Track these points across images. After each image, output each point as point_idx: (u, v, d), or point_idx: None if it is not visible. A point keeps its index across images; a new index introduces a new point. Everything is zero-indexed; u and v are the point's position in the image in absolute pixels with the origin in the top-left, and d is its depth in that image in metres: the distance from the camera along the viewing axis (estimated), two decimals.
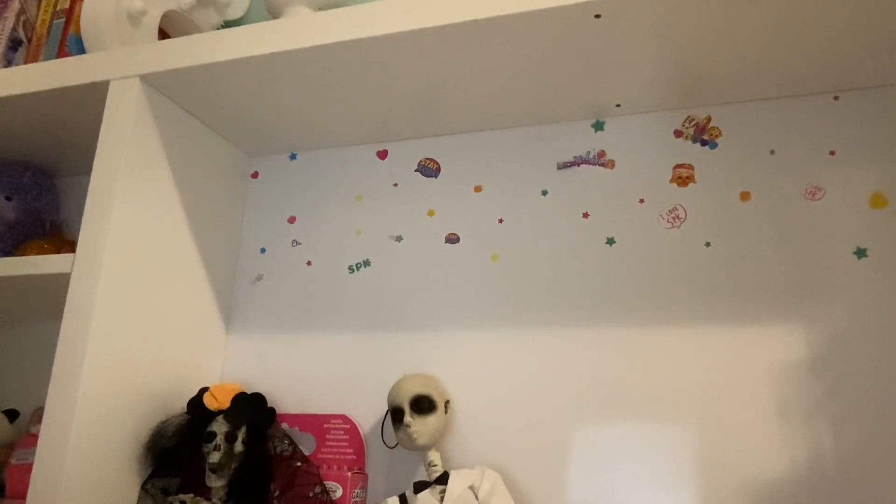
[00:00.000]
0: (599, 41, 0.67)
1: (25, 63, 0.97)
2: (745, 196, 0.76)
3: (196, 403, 0.75)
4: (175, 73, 0.76)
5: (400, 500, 0.72)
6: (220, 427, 0.73)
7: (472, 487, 0.69)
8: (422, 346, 0.83)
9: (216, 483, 0.71)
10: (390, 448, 0.79)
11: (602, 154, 0.83)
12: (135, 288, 0.75)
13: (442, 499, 0.68)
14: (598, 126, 0.84)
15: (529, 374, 0.78)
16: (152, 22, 0.88)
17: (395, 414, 0.73)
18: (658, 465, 0.71)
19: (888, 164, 0.72)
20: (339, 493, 0.75)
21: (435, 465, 0.71)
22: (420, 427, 0.71)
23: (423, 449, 0.72)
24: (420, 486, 0.71)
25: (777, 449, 0.68)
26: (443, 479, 0.70)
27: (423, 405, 0.72)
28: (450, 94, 0.79)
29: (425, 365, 0.82)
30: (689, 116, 0.80)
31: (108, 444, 0.71)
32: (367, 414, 0.82)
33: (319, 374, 0.86)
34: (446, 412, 0.75)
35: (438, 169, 0.89)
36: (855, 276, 0.70)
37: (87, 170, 1.04)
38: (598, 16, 0.63)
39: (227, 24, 1.01)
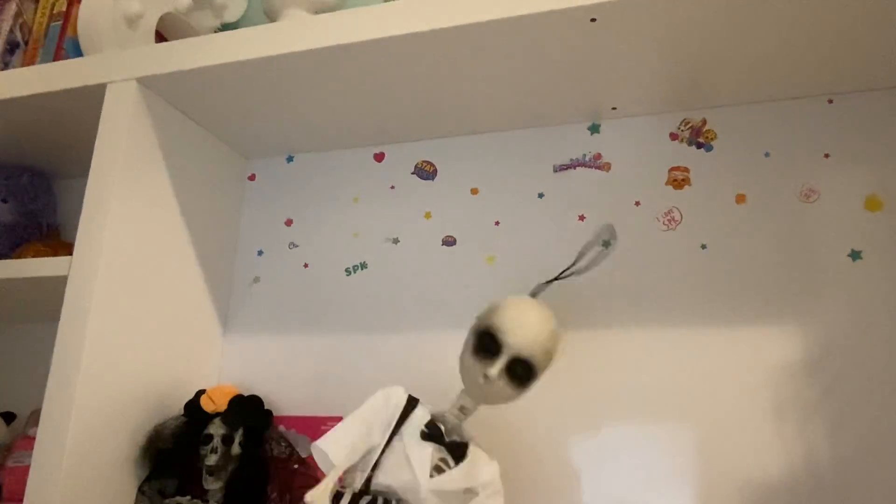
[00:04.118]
0: (595, 44, 0.68)
1: (22, 66, 0.97)
2: (740, 198, 0.76)
3: (193, 406, 0.75)
4: (172, 76, 0.76)
5: (408, 401, 0.60)
6: (216, 429, 0.73)
7: (470, 490, 0.58)
8: (418, 348, 0.83)
9: (213, 485, 0.71)
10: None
11: (598, 156, 0.83)
12: (131, 290, 0.75)
13: (438, 469, 0.57)
14: (594, 129, 0.84)
15: None
16: (149, 25, 0.88)
17: (491, 344, 0.57)
18: (654, 466, 0.71)
19: (882, 166, 0.73)
20: None
21: (465, 412, 0.59)
22: (498, 390, 0.57)
23: (474, 401, 0.59)
24: (430, 434, 0.58)
25: (773, 449, 0.68)
26: (455, 449, 0.59)
27: (524, 371, 0.56)
28: (446, 96, 0.79)
29: (421, 366, 0.82)
30: (684, 119, 0.81)
31: (104, 446, 0.71)
32: None
33: (316, 376, 0.86)
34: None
35: (435, 171, 0.90)
36: (850, 278, 0.71)
37: (84, 172, 1.03)
38: (594, 19, 0.63)
39: (224, 27, 1.01)
